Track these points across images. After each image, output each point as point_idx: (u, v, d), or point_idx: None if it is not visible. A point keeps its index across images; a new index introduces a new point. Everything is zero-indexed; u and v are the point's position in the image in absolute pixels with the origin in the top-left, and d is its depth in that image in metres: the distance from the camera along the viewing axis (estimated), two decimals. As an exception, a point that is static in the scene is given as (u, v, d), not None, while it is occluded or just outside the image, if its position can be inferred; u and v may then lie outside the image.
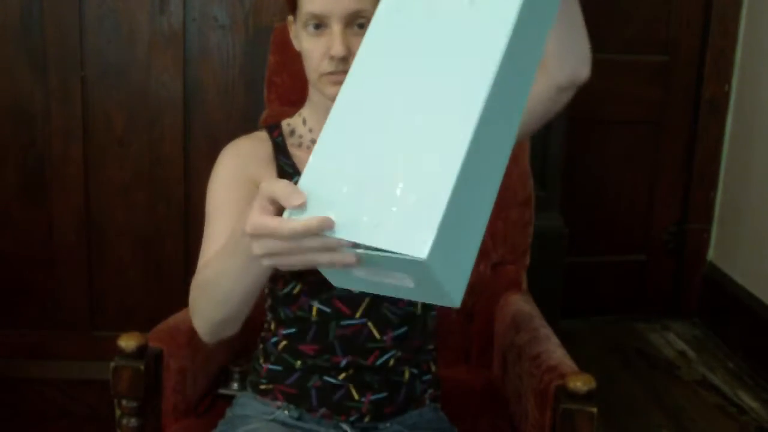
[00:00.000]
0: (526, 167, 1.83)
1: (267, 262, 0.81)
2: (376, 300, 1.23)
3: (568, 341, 1.56)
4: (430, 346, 1.34)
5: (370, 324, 1.24)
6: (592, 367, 1.42)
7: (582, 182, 2.84)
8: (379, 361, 1.25)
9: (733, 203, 2.91)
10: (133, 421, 1.37)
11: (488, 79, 0.76)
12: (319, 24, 1.13)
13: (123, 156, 2.22)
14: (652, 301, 3.09)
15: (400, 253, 0.71)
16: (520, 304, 1.73)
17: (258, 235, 0.79)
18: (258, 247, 0.80)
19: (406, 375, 1.28)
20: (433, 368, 1.35)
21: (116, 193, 2.24)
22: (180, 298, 1.31)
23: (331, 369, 1.25)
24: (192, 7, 2.15)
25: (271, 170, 1.26)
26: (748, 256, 2.80)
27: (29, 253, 2.26)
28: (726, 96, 2.90)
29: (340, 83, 1.11)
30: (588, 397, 1.29)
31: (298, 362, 1.27)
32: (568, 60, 1.21)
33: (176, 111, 2.20)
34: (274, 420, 1.27)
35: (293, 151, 1.27)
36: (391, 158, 0.76)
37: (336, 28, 1.12)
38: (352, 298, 1.23)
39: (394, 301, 1.24)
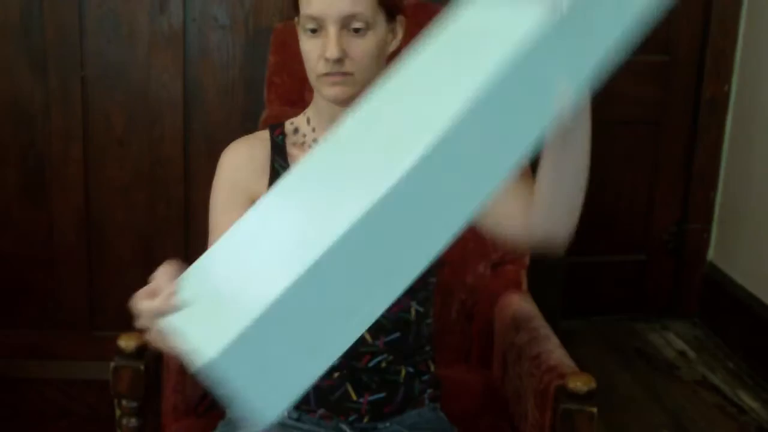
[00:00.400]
0: (526, 167, 1.83)
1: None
2: None
3: (568, 341, 1.56)
4: (427, 348, 1.34)
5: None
6: (592, 367, 1.42)
7: (582, 182, 2.84)
8: (372, 363, 1.25)
9: (733, 203, 2.91)
10: (133, 421, 1.37)
11: (375, 194, 0.74)
12: (316, 27, 1.15)
13: (123, 156, 2.22)
14: (652, 301, 3.08)
15: (193, 347, 0.75)
16: (520, 304, 1.73)
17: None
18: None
19: (403, 374, 1.28)
20: (432, 368, 1.34)
21: (116, 193, 2.24)
22: (180, 298, 1.31)
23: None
24: (192, 7, 2.15)
25: (265, 176, 1.27)
26: (748, 256, 2.80)
27: (29, 253, 2.26)
28: (726, 96, 2.90)
29: (336, 84, 1.18)
30: (588, 397, 1.29)
31: None
32: (550, 215, 1.18)
33: (176, 111, 2.20)
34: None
35: (292, 150, 1.28)
36: (261, 266, 0.79)
37: (331, 30, 1.14)
38: None
39: (386, 331, 1.25)
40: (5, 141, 2.20)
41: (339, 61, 1.15)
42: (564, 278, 2.24)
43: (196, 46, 2.18)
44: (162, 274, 0.89)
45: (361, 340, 1.23)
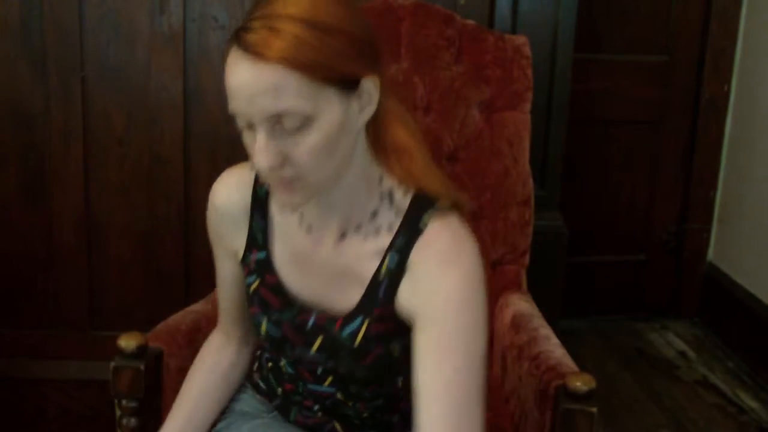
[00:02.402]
0: (526, 167, 1.83)
1: None
2: (342, 378, 1.16)
3: (568, 341, 1.56)
4: None
5: (339, 395, 1.18)
6: (592, 367, 1.42)
7: (582, 182, 2.84)
8: (354, 413, 1.20)
9: (733, 203, 2.91)
10: (133, 421, 1.37)
11: None
12: (245, 124, 0.97)
13: (123, 156, 2.22)
14: (652, 301, 3.09)
15: None
16: (519, 304, 1.73)
17: None
18: None
19: (395, 418, 1.23)
20: None
21: (116, 193, 2.24)
22: (180, 298, 1.31)
23: (307, 409, 1.22)
24: (192, 8, 2.15)
25: (242, 233, 1.17)
26: (748, 256, 2.80)
27: (29, 253, 2.26)
28: (726, 96, 2.90)
29: (282, 192, 1.00)
30: (588, 397, 1.29)
31: (279, 390, 1.25)
32: None
33: (176, 111, 2.20)
34: (274, 418, 1.27)
35: (273, 210, 1.16)
36: None
37: (260, 132, 0.95)
38: (314, 371, 1.17)
39: (366, 382, 1.15)
40: (5, 141, 2.20)
41: (276, 167, 0.97)
42: (564, 278, 2.24)
43: (196, 46, 2.18)
44: None
45: (341, 403, 1.18)
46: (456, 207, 1.09)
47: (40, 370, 2.30)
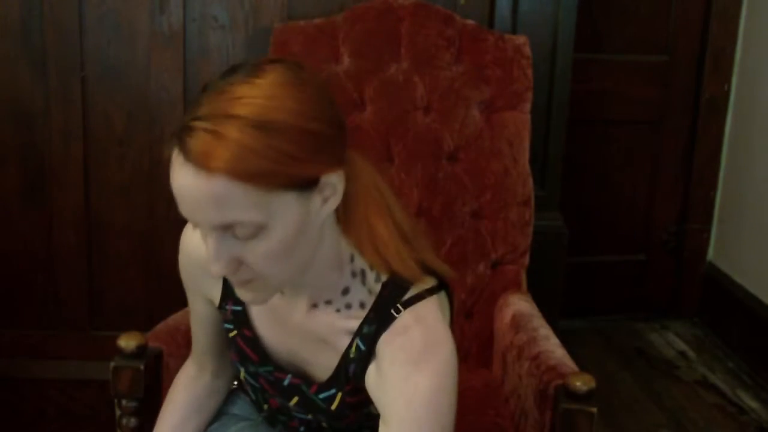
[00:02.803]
0: (526, 167, 1.83)
1: None
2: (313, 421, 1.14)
3: (568, 341, 1.56)
4: None
5: (324, 423, 1.15)
6: (592, 367, 1.42)
7: (582, 182, 2.84)
8: None
9: (733, 203, 2.91)
10: (133, 421, 1.37)
11: None
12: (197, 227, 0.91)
13: (123, 156, 2.22)
14: (652, 301, 3.09)
15: None
16: (519, 304, 1.73)
17: None
18: None
19: None
20: None
21: (116, 193, 2.24)
22: (180, 298, 1.31)
23: (292, 429, 1.21)
24: (192, 7, 2.15)
25: (216, 282, 1.12)
26: (748, 256, 2.80)
27: (29, 253, 2.26)
28: (726, 96, 2.90)
29: (245, 290, 0.95)
30: (588, 397, 1.29)
31: (266, 405, 1.23)
32: None
33: (176, 111, 2.20)
34: (263, 422, 1.27)
35: None
36: None
37: (210, 241, 0.89)
38: (288, 413, 1.16)
39: (338, 416, 1.11)
40: (5, 141, 2.20)
41: (231, 272, 0.91)
42: (564, 278, 2.24)
43: (196, 46, 2.18)
44: None
45: (323, 429, 1.16)
46: (435, 289, 1.02)
47: (40, 370, 2.30)
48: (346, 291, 1.03)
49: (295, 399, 1.12)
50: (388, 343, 0.98)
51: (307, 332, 1.07)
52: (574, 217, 2.35)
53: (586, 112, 2.73)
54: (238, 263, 0.91)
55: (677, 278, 3.06)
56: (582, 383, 1.29)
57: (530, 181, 1.83)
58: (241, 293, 0.98)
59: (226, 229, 0.88)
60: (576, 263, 2.61)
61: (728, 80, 2.89)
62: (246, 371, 1.15)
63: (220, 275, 0.91)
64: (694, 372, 2.70)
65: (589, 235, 2.89)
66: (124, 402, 1.37)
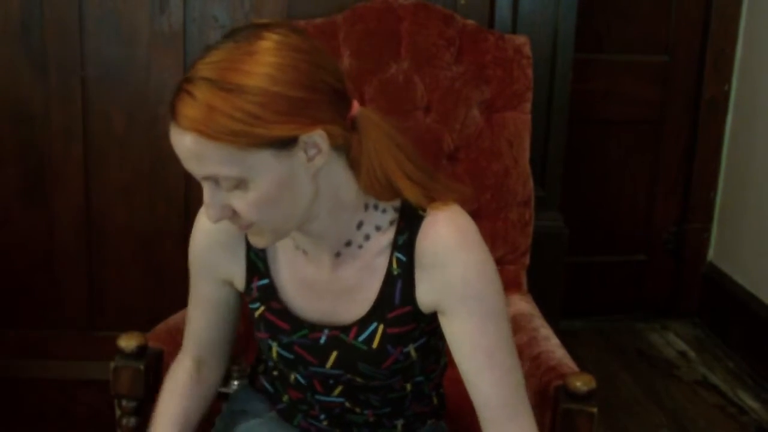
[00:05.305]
0: (526, 167, 1.83)
1: None
2: (353, 387, 1.16)
3: (568, 341, 1.56)
4: (432, 393, 1.27)
5: (347, 404, 1.18)
6: (592, 367, 1.42)
7: (582, 182, 2.84)
8: (362, 420, 1.21)
9: (733, 203, 2.91)
10: (133, 421, 1.37)
11: None
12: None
13: (123, 156, 2.22)
14: (652, 301, 3.09)
15: None
16: (520, 304, 1.73)
17: None
18: None
19: (400, 423, 1.24)
20: (435, 401, 1.29)
21: (116, 193, 2.24)
22: (180, 298, 1.31)
23: (312, 418, 1.22)
24: (192, 7, 2.15)
25: (238, 260, 1.15)
26: (748, 256, 2.80)
27: (29, 253, 2.26)
28: (726, 96, 2.90)
29: (249, 234, 1.03)
30: (588, 397, 1.29)
31: (285, 396, 1.24)
32: None
33: (176, 111, 2.20)
34: (271, 419, 1.27)
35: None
36: None
37: (204, 190, 0.98)
38: (327, 382, 1.17)
39: (376, 389, 1.16)
40: (5, 141, 2.20)
41: (226, 219, 0.99)
42: (564, 278, 2.24)
43: (196, 46, 2.18)
44: None
45: (349, 410, 1.18)
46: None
47: (40, 370, 2.30)
48: (360, 225, 1.07)
49: (334, 355, 1.12)
50: (423, 244, 1.05)
51: (338, 284, 1.10)
52: (574, 217, 2.35)
53: (586, 112, 2.73)
54: (231, 211, 0.98)
55: (677, 278, 3.06)
56: (582, 383, 1.29)
57: (530, 181, 1.83)
58: (250, 238, 1.04)
59: (213, 180, 0.96)
60: (576, 263, 2.61)
61: (728, 80, 2.88)
62: (279, 344, 1.15)
63: (216, 220, 0.98)
64: (694, 372, 2.70)
65: (589, 235, 2.89)
66: (124, 402, 1.37)
